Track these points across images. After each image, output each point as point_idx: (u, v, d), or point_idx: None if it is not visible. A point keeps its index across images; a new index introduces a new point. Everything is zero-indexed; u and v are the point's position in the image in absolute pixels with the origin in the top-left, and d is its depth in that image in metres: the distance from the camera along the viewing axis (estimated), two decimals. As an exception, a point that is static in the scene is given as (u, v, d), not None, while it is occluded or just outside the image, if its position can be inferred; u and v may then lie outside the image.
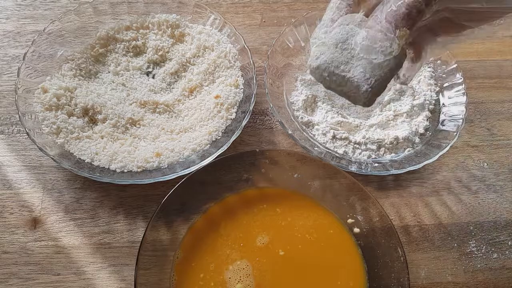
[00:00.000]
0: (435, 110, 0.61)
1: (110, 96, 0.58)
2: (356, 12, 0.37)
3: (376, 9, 0.34)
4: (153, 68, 0.63)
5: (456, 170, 0.58)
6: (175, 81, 0.62)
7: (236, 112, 0.57)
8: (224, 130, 0.55)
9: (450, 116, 0.59)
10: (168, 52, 0.63)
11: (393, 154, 0.57)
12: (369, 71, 0.35)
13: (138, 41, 0.63)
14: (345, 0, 0.36)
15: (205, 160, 0.50)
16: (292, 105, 0.60)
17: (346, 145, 0.57)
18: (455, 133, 0.56)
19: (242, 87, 0.59)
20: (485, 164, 0.59)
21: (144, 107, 0.58)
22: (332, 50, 0.36)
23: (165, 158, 0.53)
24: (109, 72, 0.61)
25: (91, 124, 0.56)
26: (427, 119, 0.60)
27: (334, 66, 0.36)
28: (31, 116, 0.53)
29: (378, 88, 0.36)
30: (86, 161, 0.52)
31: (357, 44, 0.35)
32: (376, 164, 0.55)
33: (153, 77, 0.62)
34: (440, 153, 0.54)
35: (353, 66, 0.35)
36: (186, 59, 0.62)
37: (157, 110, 0.58)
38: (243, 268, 0.46)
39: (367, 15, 0.36)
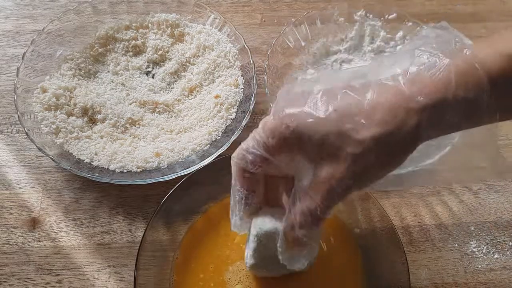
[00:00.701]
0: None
1: (109, 96, 0.58)
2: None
3: (286, 215, 0.34)
4: (153, 68, 0.63)
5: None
6: (175, 81, 0.61)
7: (236, 112, 0.56)
8: (224, 130, 0.55)
9: (451, 116, 0.59)
10: (167, 51, 0.63)
11: (393, 154, 0.57)
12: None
13: (138, 40, 0.63)
14: (250, 199, 0.36)
15: (205, 160, 0.50)
16: (292, 105, 0.60)
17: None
18: (456, 133, 0.55)
19: (242, 87, 0.58)
20: (486, 164, 0.59)
21: (143, 107, 0.58)
22: (266, 263, 0.40)
23: (164, 158, 0.52)
24: (108, 71, 0.61)
25: (91, 124, 0.56)
26: (428, 119, 0.60)
27: (274, 271, 0.42)
28: (30, 116, 0.53)
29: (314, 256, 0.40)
30: (85, 161, 0.52)
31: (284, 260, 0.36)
32: (377, 164, 0.55)
33: (152, 77, 0.62)
34: (441, 153, 0.54)
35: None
36: (186, 59, 0.62)
37: (157, 110, 0.58)
38: (243, 269, 0.46)
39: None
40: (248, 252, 0.40)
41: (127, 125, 0.56)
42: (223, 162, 0.50)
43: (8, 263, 0.48)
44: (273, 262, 0.38)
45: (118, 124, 0.55)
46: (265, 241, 0.38)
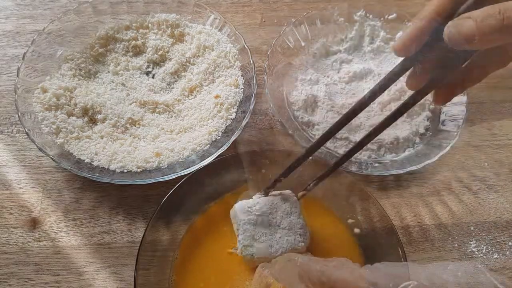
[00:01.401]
0: (436, 110, 0.60)
1: (109, 96, 0.58)
2: None
3: None
4: (153, 68, 0.63)
5: (457, 170, 0.58)
6: (175, 81, 0.61)
7: (236, 112, 0.56)
8: (224, 130, 0.55)
9: (451, 116, 0.59)
10: (168, 51, 0.63)
11: (393, 154, 0.57)
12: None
13: (138, 40, 0.63)
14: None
15: (205, 160, 0.50)
16: (292, 105, 0.60)
17: (347, 145, 0.57)
18: (456, 133, 0.55)
19: (242, 87, 0.58)
20: (486, 164, 0.59)
21: (143, 107, 0.58)
22: (254, 238, 0.44)
23: (165, 158, 0.52)
24: (108, 72, 0.61)
25: (91, 124, 0.56)
26: (428, 119, 0.60)
27: (265, 251, 0.44)
28: (30, 116, 0.53)
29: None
30: (85, 161, 0.52)
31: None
32: (377, 164, 0.55)
33: (153, 77, 0.62)
34: (441, 153, 0.54)
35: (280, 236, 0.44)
36: (186, 59, 0.62)
37: (157, 110, 0.58)
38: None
39: None
40: (238, 238, 0.44)
41: (127, 125, 0.56)
42: (223, 162, 0.50)
43: (8, 263, 0.48)
44: (260, 236, 0.43)
45: (118, 124, 0.56)
46: (243, 216, 0.44)
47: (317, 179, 0.44)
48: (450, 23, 0.30)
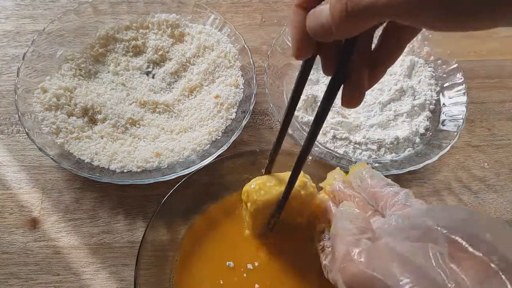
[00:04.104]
0: (436, 110, 0.61)
1: (110, 96, 0.58)
2: None
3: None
4: (153, 68, 0.63)
5: (457, 170, 0.58)
6: (175, 81, 0.61)
7: (236, 112, 0.56)
8: (224, 130, 0.55)
9: (451, 116, 0.59)
10: (168, 52, 0.63)
11: (393, 154, 0.57)
12: None
13: (138, 40, 0.63)
14: None
15: (205, 160, 0.50)
16: (292, 105, 0.60)
17: (347, 145, 0.57)
18: (456, 133, 0.55)
19: (242, 87, 0.59)
20: (486, 164, 0.59)
21: (144, 107, 0.58)
22: None
23: (165, 158, 0.52)
24: (108, 72, 0.61)
25: (91, 124, 0.56)
26: (428, 119, 0.60)
27: None
28: (30, 116, 0.53)
29: None
30: (85, 161, 0.52)
31: None
32: (377, 164, 0.55)
33: (153, 77, 0.62)
34: (441, 153, 0.54)
35: None
36: (186, 59, 0.62)
37: (157, 110, 0.58)
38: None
39: None
40: None
41: (128, 125, 0.56)
42: (223, 162, 0.50)
43: (8, 263, 0.48)
44: None
45: (119, 124, 0.56)
46: None
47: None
48: (310, 12, 0.24)
